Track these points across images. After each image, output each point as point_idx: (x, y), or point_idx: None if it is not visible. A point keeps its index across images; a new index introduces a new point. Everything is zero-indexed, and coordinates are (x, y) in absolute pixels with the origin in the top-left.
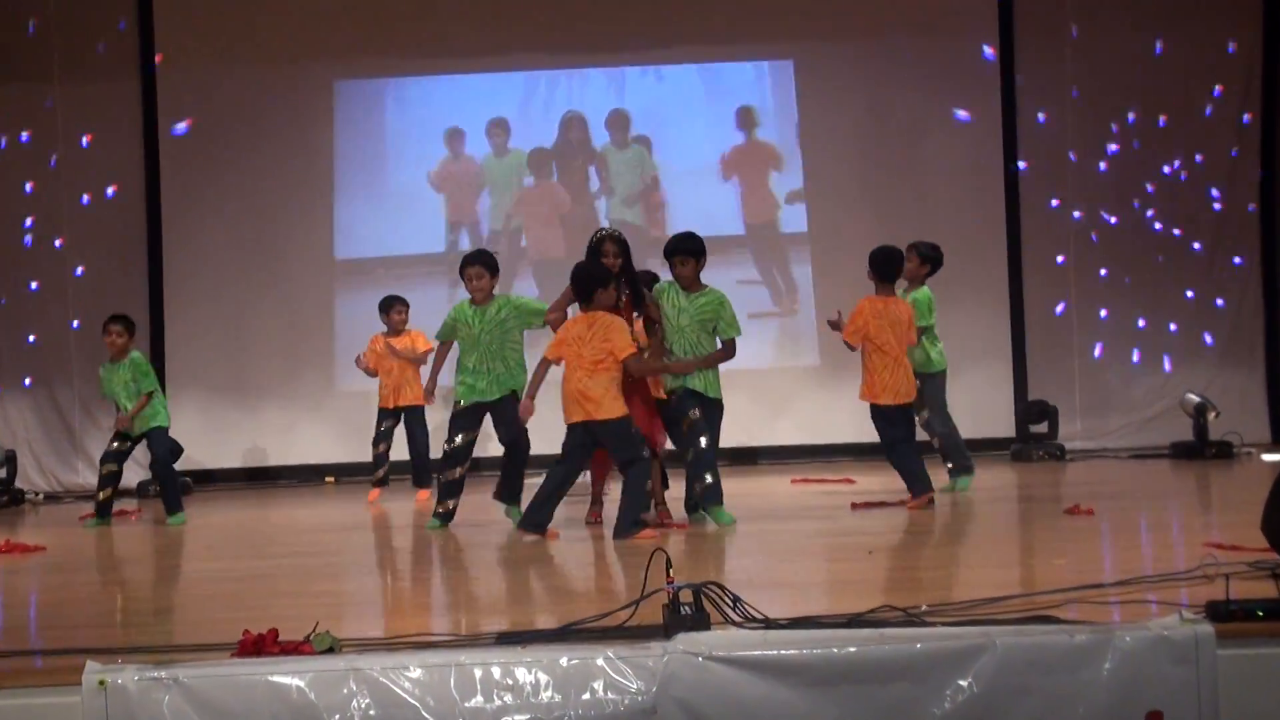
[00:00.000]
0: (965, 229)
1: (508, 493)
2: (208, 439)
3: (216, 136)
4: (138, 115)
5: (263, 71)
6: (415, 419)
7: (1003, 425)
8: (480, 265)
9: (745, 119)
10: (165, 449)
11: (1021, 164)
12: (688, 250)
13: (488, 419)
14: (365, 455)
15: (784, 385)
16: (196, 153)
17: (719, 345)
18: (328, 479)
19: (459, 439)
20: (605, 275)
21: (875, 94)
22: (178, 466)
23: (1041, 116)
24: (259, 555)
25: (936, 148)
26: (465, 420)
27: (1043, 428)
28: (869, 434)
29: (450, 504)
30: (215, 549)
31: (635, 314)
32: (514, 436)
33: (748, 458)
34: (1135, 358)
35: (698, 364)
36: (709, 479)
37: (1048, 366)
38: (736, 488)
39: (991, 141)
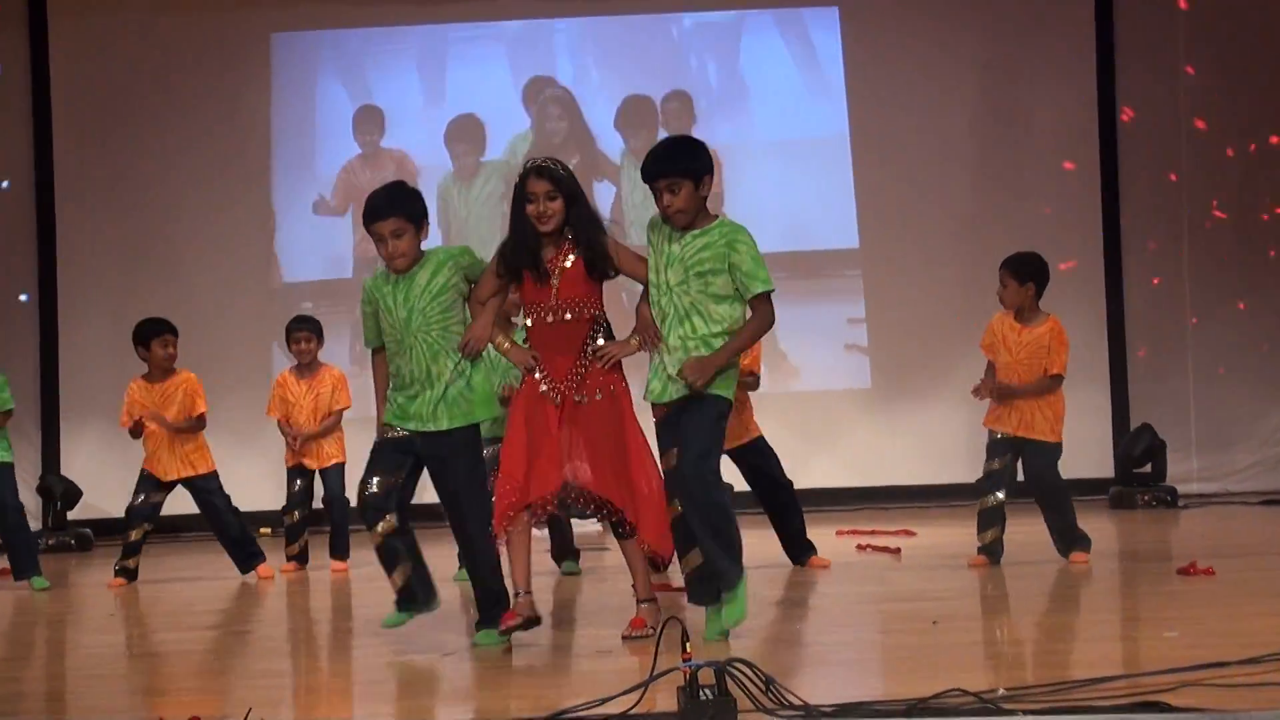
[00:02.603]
0: (1051, 224)
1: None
2: (110, 481)
3: (124, 107)
4: (24, 83)
5: (182, 22)
6: (334, 478)
7: (1099, 463)
8: (397, 216)
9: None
10: (9, 491)
11: (1121, 141)
12: (678, 169)
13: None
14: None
15: (826, 414)
16: (97, 130)
17: (734, 316)
18: (262, 530)
19: (374, 483)
20: (525, 242)
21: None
22: (73, 514)
23: (1146, 88)
24: (175, 625)
25: (1016, 126)
26: (385, 458)
27: (1149, 467)
28: (930, 474)
29: (398, 577)
30: (119, 617)
31: (593, 274)
32: (458, 487)
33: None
34: (1267, 381)
35: (728, 352)
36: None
37: (1155, 391)
38: (768, 541)
39: (1085, 115)
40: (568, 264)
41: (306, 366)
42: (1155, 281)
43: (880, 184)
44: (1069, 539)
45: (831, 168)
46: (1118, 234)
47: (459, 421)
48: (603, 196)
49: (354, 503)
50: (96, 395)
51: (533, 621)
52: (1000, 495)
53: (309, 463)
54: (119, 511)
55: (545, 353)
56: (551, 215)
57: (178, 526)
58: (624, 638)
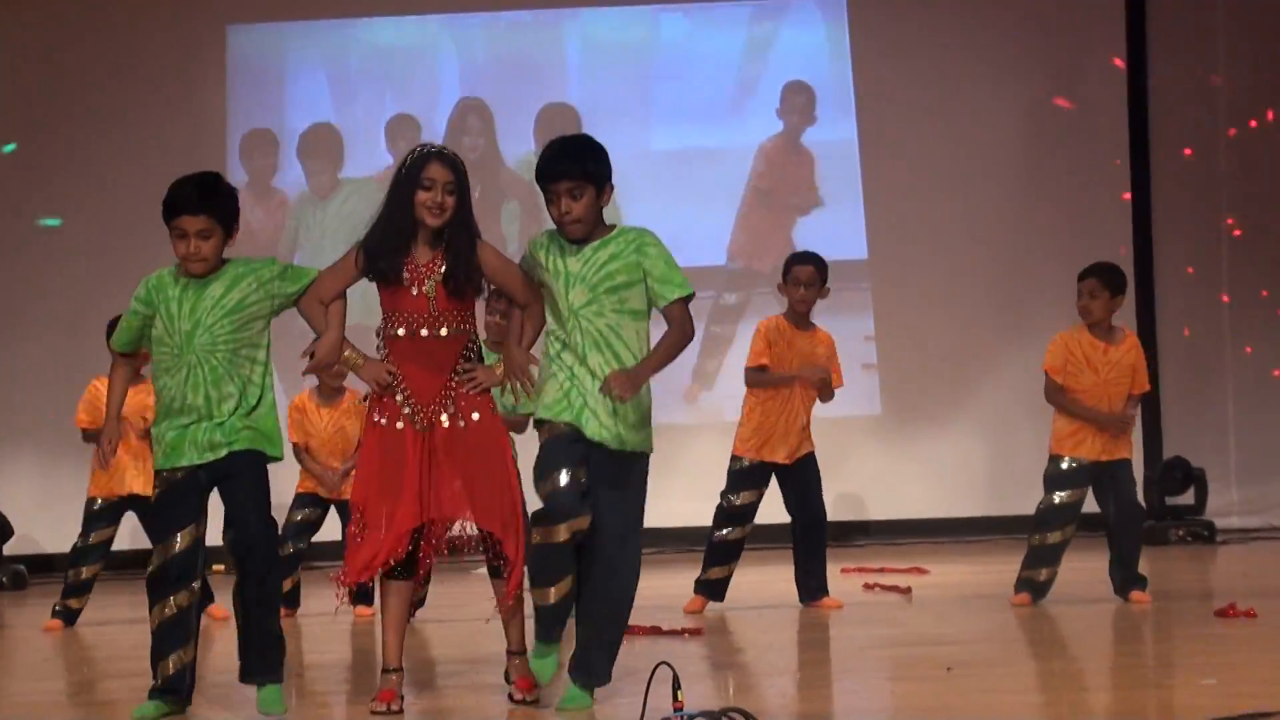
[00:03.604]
0: (1076, 234)
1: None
2: (46, 515)
3: (65, 101)
4: None
5: (128, 14)
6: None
7: None
8: (209, 215)
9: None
10: None
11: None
12: (577, 172)
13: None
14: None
15: (831, 442)
16: (35, 128)
17: (636, 333)
18: (214, 567)
19: (179, 540)
20: (403, 233)
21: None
22: (6, 550)
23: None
24: (116, 673)
25: (1038, 128)
26: (176, 505)
27: (1185, 498)
28: (944, 507)
29: (175, 662)
30: (53, 664)
31: (463, 289)
32: (249, 541)
33: (782, 537)
34: None
35: (651, 366)
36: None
37: (1191, 416)
38: (766, 576)
39: (1114, 110)
40: (439, 275)
41: (335, 391)
42: (1192, 298)
43: (890, 189)
44: (1132, 575)
45: (837, 172)
46: (1150, 246)
47: (241, 445)
48: (509, 222)
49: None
50: (31, 421)
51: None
52: (1069, 532)
53: (324, 492)
54: (56, 546)
55: (410, 370)
56: (446, 210)
57: (117, 563)
58: (513, 700)
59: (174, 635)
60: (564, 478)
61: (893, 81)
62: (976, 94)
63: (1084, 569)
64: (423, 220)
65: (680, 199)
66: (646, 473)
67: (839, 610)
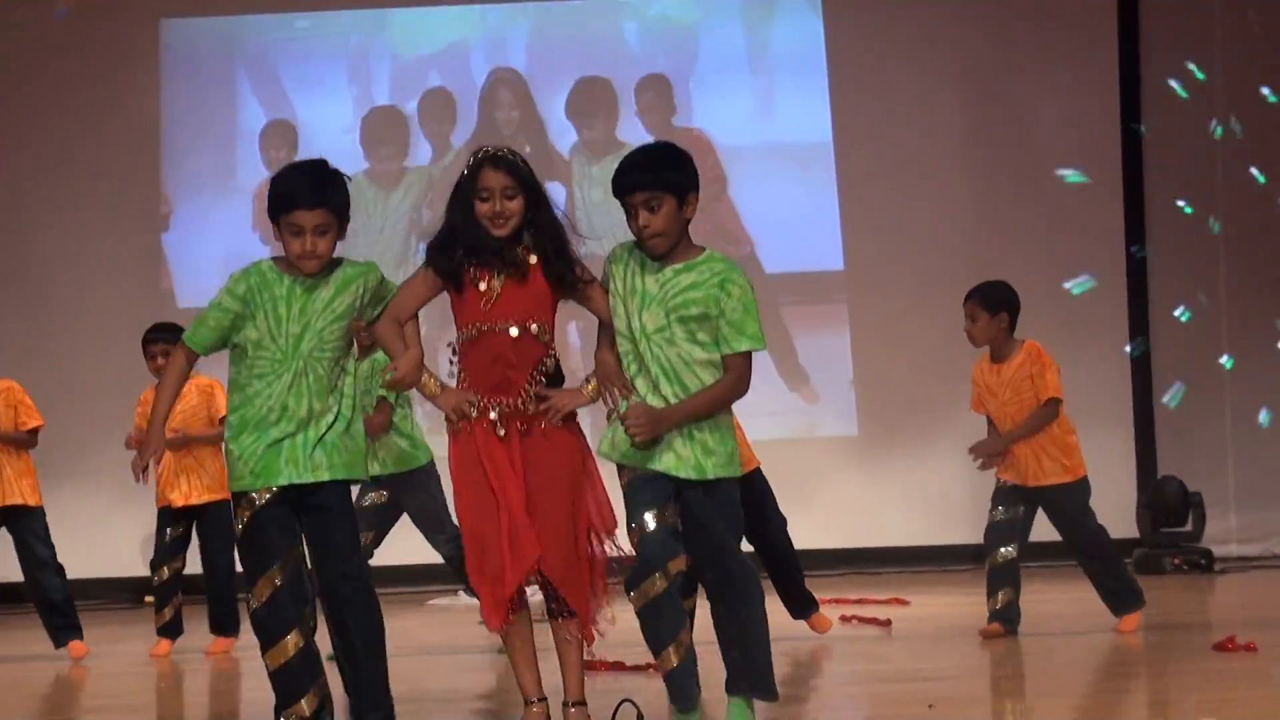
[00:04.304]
0: (1066, 245)
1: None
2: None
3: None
4: None
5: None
6: (213, 525)
7: (1122, 521)
8: (326, 208)
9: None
10: None
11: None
12: (660, 182)
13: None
14: (199, 563)
15: (806, 464)
16: None
17: (710, 372)
18: (148, 599)
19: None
20: (484, 245)
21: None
22: None
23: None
24: (51, 711)
25: (1026, 132)
26: (274, 530)
27: (1181, 525)
28: (926, 534)
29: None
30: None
31: (557, 292)
32: (351, 583)
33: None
34: None
35: (683, 414)
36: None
37: (1187, 436)
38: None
39: (1104, 119)
40: (528, 269)
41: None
42: (1186, 312)
43: (869, 197)
44: (1123, 595)
45: (812, 178)
46: (1142, 256)
47: (340, 474)
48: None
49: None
50: None
51: None
52: (1010, 550)
53: (178, 499)
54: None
55: (488, 377)
56: (510, 216)
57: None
58: None
59: (304, 674)
60: (650, 521)
61: (870, 86)
62: (957, 99)
63: (1071, 599)
64: (490, 232)
65: None
66: (735, 499)
67: (827, 631)
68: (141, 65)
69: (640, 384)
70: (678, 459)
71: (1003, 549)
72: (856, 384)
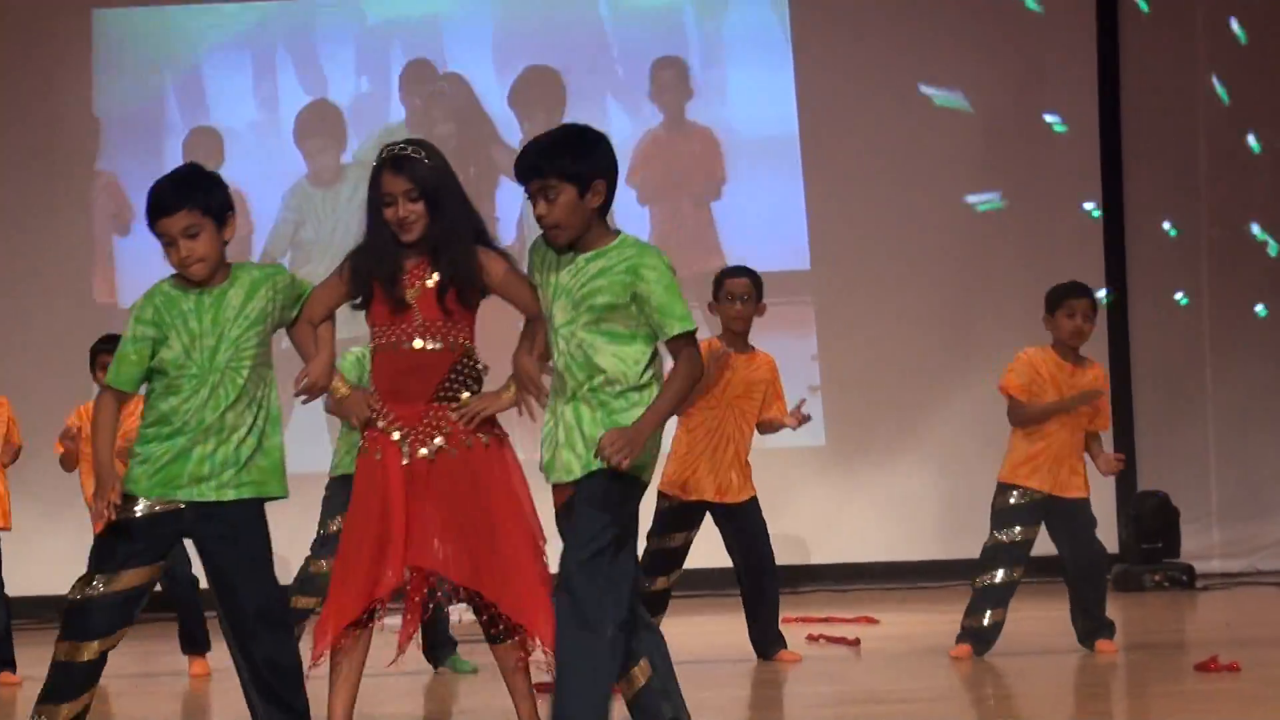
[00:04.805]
0: (1043, 246)
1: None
2: None
3: None
4: None
5: None
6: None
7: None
8: (190, 209)
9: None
10: None
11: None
12: (555, 169)
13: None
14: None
15: (771, 476)
16: None
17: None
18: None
19: (124, 577)
20: (393, 251)
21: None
22: None
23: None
24: None
25: (1003, 126)
26: (143, 540)
27: (1164, 541)
28: (897, 549)
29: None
30: None
31: (458, 295)
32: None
33: (715, 583)
34: None
35: (654, 419)
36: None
37: (1168, 448)
38: (699, 628)
39: (1085, 113)
40: (429, 282)
41: None
42: (1168, 317)
43: (837, 194)
44: (1099, 622)
45: (776, 174)
46: (1123, 259)
47: (248, 492)
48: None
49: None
50: None
51: None
52: (1019, 573)
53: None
54: None
55: (394, 390)
56: (416, 220)
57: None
58: None
59: (83, 682)
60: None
61: (839, 77)
62: (934, 93)
63: (1046, 618)
64: (398, 236)
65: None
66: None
67: (798, 664)
68: (75, 58)
69: (556, 388)
70: (565, 461)
71: (1007, 570)
72: (824, 390)
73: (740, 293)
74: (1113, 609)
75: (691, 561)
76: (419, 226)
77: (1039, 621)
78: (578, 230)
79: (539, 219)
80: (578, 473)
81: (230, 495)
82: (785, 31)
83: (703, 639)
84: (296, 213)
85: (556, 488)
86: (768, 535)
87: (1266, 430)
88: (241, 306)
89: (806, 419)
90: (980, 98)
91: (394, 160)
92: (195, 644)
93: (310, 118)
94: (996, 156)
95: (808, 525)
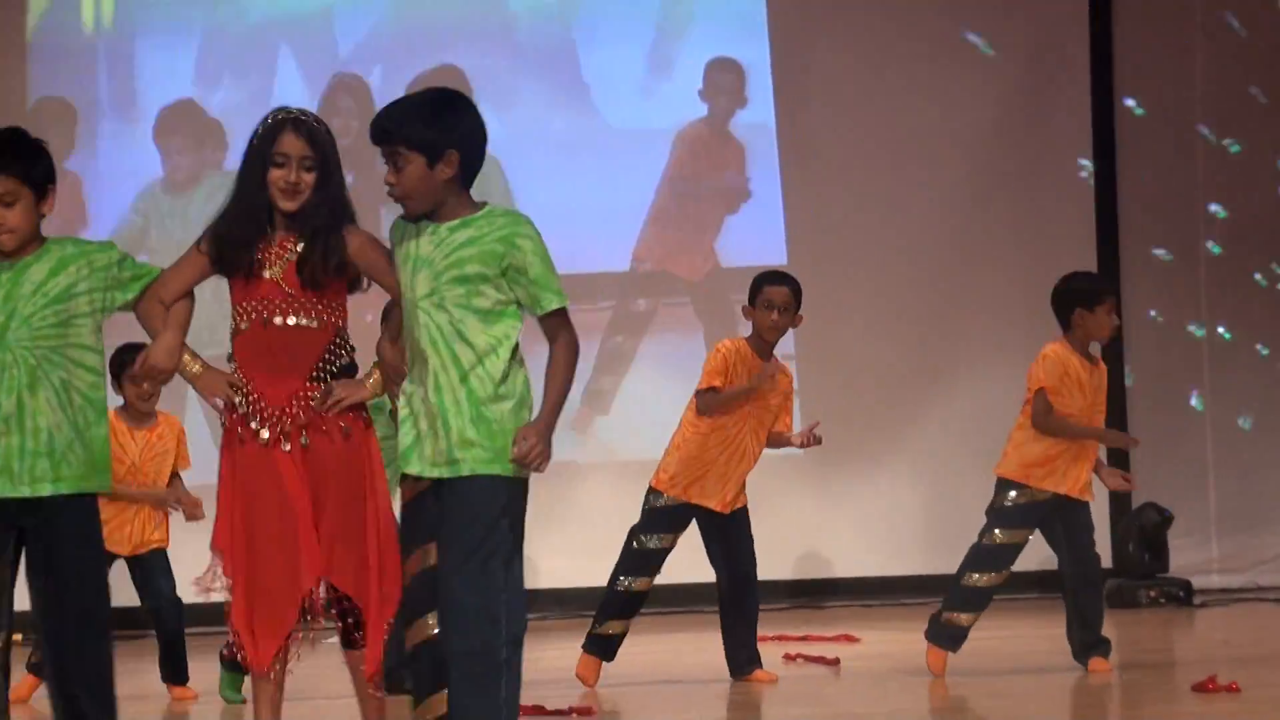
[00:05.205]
0: (1032, 242)
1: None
2: None
3: None
4: None
5: None
6: (155, 568)
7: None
8: (8, 175)
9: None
10: None
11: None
12: (402, 135)
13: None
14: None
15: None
16: None
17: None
18: (17, 637)
19: None
20: (265, 220)
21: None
22: None
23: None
24: None
25: (989, 118)
26: None
27: (1158, 556)
28: (878, 564)
29: None
30: None
31: (323, 270)
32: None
33: (685, 599)
34: None
35: (553, 407)
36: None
37: (1164, 459)
38: (670, 647)
39: (1078, 105)
40: (292, 256)
41: (144, 415)
42: (1163, 318)
43: (813, 187)
44: (1094, 638)
45: (755, 166)
46: (1116, 257)
47: (66, 488)
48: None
49: None
50: None
51: None
52: (993, 579)
53: (116, 548)
54: None
55: (258, 372)
56: (304, 190)
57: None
58: None
59: None
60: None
61: (818, 62)
62: (918, 82)
63: (1037, 635)
64: (276, 203)
65: (582, 188)
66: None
67: (773, 685)
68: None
69: (411, 359)
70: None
71: (991, 575)
72: (801, 396)
73: (780, 302)
74: (1107, 626)
75: (663, 578)
76: (303, 198)
77: (1032, 640)
78: (428, 202)
79: (387, 187)
80: (462, 471)
81: (47, 490)
82: (762, 15)
83: (675, 658)
84: (144, 216)
85: (407, 478)
86: (753, 547)
87: (1265, 439)
88: (42, 283)
89: (817, 442)
90: (955, 67)
91: (296, 122)
92: (177, 675)
93: (171, 117)
94: (987, 148)
95: (785, 540)
